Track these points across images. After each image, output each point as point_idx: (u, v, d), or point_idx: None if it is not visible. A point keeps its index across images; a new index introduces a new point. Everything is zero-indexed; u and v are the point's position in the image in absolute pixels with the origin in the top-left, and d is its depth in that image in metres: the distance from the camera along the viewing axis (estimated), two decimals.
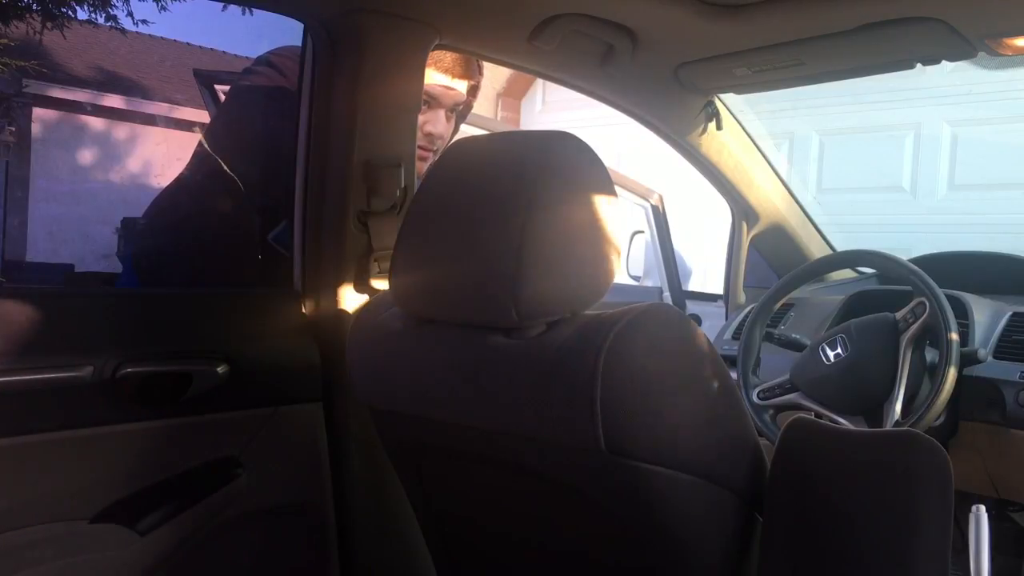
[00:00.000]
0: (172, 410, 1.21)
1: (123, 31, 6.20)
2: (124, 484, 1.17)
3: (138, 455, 1.19)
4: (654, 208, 2.36)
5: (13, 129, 7.34)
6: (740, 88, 1.73)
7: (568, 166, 0.94)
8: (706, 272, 4.06)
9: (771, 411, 1.65)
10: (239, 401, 1.27)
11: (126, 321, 1.20)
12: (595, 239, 0.94)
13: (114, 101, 8.18)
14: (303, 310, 1.38)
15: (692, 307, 2.32)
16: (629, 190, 2.31)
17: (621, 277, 2.17)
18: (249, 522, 1.29)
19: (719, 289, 2.27)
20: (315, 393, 1.35)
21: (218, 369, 1.23)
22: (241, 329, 1.31)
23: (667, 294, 2.35)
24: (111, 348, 1.15)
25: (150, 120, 7.91)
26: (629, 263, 2.43)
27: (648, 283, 2.48)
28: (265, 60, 1.54)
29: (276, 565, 1.34)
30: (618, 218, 0.98)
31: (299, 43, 1.38)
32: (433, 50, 1.37)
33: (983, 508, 1.22)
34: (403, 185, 1.36)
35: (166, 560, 1.20)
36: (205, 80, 1.63)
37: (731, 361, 1.71)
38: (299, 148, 1.38)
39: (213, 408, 1.25)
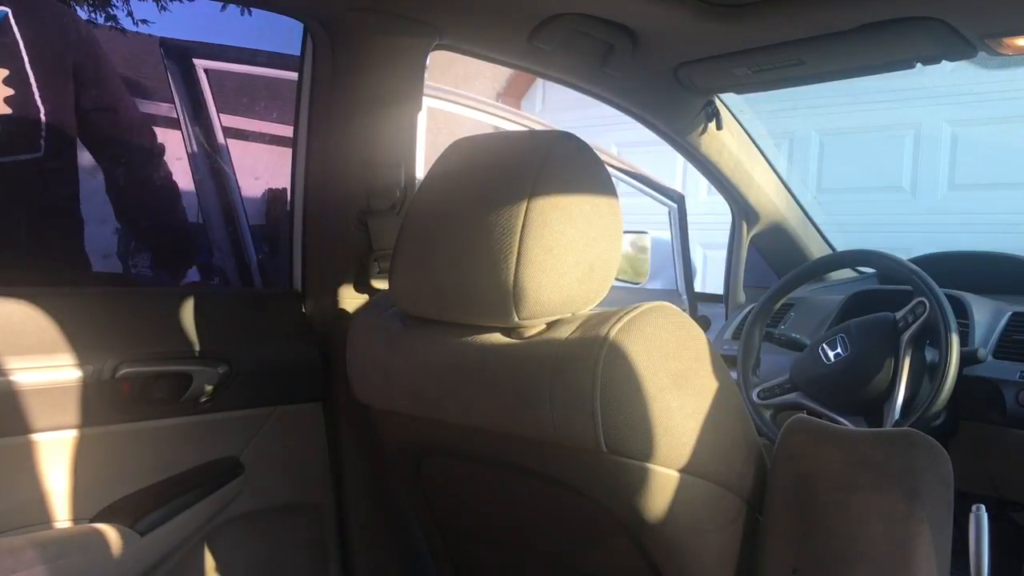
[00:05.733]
0: (172, 410, 1.21)
1: (123, 31, 6.20)
2: (124, 484, 1.17)
3: (138, 455, 1.19)
4: (677, 209, 2.31)
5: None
6: (740, 88, 1.73)
7: (568, 166, 0.94)
8: (705, 272, 4.06)
9: (771, 411, 1.65)
10: (239, 401, 1.27)
11: (126, 321, 1.20)
12: (594, 239, 0.94)
13: None
14: (303, 310, 1.38)
15: (703, 309, 2.30)
16: (654, 189, 2.27)
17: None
18: (249, 522, 1.29)
19: (718, 288, 2.25)
20: (315, 393, 1.35)
21: (218, 369, 1.23)
22: (241, 329, 1.31)
23: (684, 296, 2.32)
24: (111, 348, 1.15)
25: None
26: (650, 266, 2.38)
27: (657, 284, 2.45)
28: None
29: (276, 565, 1.34)
30: (618, 218, 0.98)
31: (298, 42, 1.38)
32: (433, 50, 1.37)
33: (983, 508, 1.21)
34: (403, 185, 1.36)
35: (166, 560, 1.20)
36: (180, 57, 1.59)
37: (731, 361, 1.70)
38: (299, 148, 1.38)
39: (213, 408, 1.25)
